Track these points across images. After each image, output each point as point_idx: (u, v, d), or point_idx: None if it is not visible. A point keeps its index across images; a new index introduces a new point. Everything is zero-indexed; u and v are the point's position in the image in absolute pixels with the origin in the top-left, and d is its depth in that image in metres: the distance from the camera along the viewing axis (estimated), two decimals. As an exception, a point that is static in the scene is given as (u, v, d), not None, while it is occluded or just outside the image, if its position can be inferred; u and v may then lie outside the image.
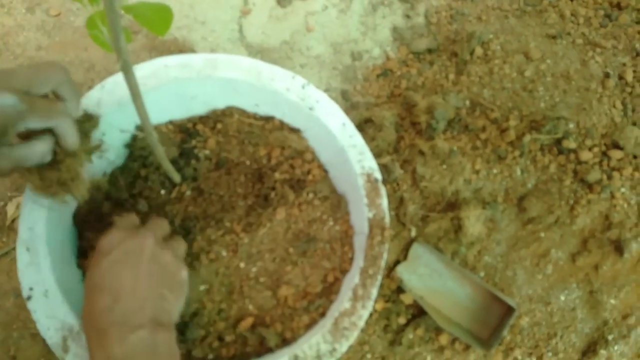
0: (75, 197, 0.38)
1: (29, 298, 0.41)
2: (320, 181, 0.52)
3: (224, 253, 0.49)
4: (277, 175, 0.53)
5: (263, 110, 0.54)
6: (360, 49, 0.84)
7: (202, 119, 0.54)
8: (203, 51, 0.80)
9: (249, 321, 0.47)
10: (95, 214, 0.48)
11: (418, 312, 0.67)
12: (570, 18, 0.81)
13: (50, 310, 0.40)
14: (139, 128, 0.51)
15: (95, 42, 0.37)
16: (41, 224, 0.43)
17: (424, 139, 0.72)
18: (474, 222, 0.63)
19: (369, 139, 0.78)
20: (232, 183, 0.53)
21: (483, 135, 0.68)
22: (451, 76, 0.79)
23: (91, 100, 0.47)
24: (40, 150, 0.35)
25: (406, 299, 0.67)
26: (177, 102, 0.52)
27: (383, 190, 0.50)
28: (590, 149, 0.61)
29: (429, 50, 0.84)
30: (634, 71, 0.67)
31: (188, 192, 0.51)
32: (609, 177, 0.59)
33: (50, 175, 0.36)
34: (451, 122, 0.72)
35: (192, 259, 0.49)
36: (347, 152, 0.50)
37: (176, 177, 0.50)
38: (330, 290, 0.49)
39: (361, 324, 0.45)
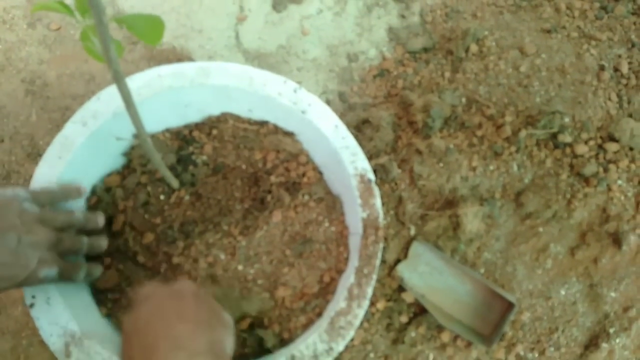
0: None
1: (31, 305, 0.42)
2: (315, 183, 0.53)
3: (222, 256, 0.50)
4: (272, 178, 0.54)
5: (257, 115, 0.55)
6: (356, 50, 0.85)
7: (198, 126, 0.55)
8: (201, 59, 0.81)
9: (246, 322, 0.48)
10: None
11: (420, 310, 0.68)
12: (565, 11, 0.81)
13: (53, 317, 0.42)
14: (135, 136, 0.52)
15: (88, 54, 0.39)
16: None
17: (420, 138, 0.72)
18: (471, 218, 0.63)
19: (367, 139, 0.78)
20: (229, 187, 0.54)
21: (479, 132, 0.68)
22: (447, 74, 0.79)
23: (88, 111, 0.48)
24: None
25: (407, 297, 0.68)
26: (173, 110, 0.53)
27: (376, 190, 0.50)
28: (586, 143, 0.61)
29: (425, 49, 0.85)
30: (630, 63, 0.66)
31: (187, 197, 0.52)
32: (605, 170, 0.59)
33: None
34: (447, 120, 0.72)
35: (191, 262, 0.50)
36: (340, 153, 0.51)
37: (174, 183, 0.51)
38: (326, 291, 0.49)
39: (357, 322, 0.45)
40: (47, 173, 0.45)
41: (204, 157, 0.54)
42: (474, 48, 0.78)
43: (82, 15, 0.34)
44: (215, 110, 0.55)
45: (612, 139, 0.60)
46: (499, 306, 0.62)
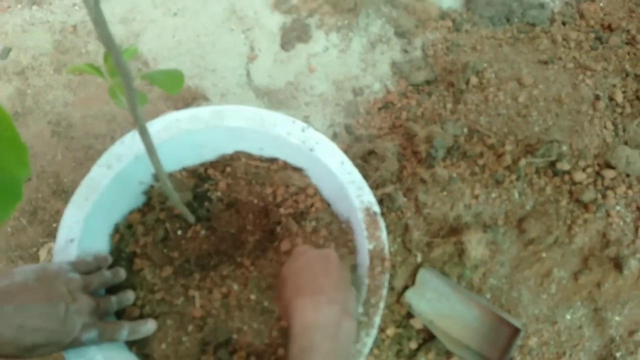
0: None
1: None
2: (322, 211, 0.56)
3: (236, 287, 0.53)
4: (282, 210, 0.57)
5: (268, 152, 0.59)
6: (361, 84, 0.89)
7: (213, 164, 0.59)
8: (214, 97, 0.86)
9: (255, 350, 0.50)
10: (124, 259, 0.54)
11: (429, 336, 0.69)
12: (561, 43, 0.84)
13: (81, 352, 0.45)
14: (155, 177, 0.56)
15: (117, 106, 0.43)
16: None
17: (424, 167, 0.75)
18: (475, 245, 0.65)
19: (373, 170, 0.81)
20: (242, 221, 0.57)
21: (481, 161, 0.71)
22: (449, 105, 0.83)
23: (112, 155, 0.52)
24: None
25: (416, 323, 0.69)
26: (189, 151, 0.57)
27: (382, 223, 0.53)
28: (583, 170, 0.63)
29: (427, 82, 0.88)
30: (624, 92, 0.69)
31: (202, 232, 0.56)
32: (604, 196, 0.61)
33: None
34: (450, 149, 0.75)
35: (206, 294, 0.53)
36: (347, 188, 0.54)
37: (191, 219, 0.55)
38: None
39: (366, 351, 0.47)
40: (75, 214, 0.49)
41: (218, 193, 0.57)
42: (474, 80, 0.82)
43: (111, 77, 0.38)
44: (229, 149, 0.58)
45: (609, 166, 0.62)
46: (506, 331, 0.64)
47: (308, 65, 0.90)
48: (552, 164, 0.65)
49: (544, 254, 0.63)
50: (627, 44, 0.79)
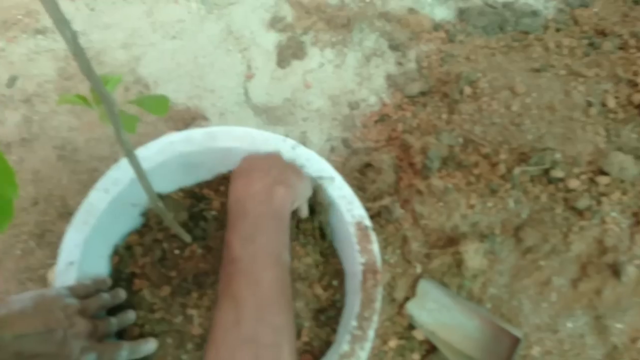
0: None
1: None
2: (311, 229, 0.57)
3: (233, 305, 0.54)
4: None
5: (261, 170, 0.60)
6: (357, 98, 0.90)
7: (208, 184, 0.60)
8: (213, 116, 0.88)
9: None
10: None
11: (431, 348, 0.69)
12: (554, 50, 0.85)
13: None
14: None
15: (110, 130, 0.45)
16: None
17: (420, 178, 0.75)
18: (473, 255, 0.65)
19: (370, 182, 0.82)
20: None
21: (476, 171, 0.72)
22: (444, 116, 0.83)
23: (109, 179, 0.54)
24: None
25: (419, 334, 0.69)
26: (184, 172, 0.58)
27: (373, 236, 0.54)
28: (577, 177, 0.63)
29: (422, 93, 0.89)
30: (616, 97, 0.69)
31: (199, 251, 0.57)
32: (598, 203, 0.61)
33: None
34: (446, 160, 0.76)
35: (204, 311, 0.54)
36: (338, 203, 0.55)
37: (187, 238, 0.56)
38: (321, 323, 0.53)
39: (360, 364, 0.48)
40: (75, 237, 0.51)
41: (214, 212, 0.59)
42: (467, 90, 0.83)
43: (97, 105, 0.40)
44: (224, 169, 0.60)
45: (603, 172, 0.62)
46: (507, 341, 0.63)
47: (304, 82, 0.91)
48: (546, 172, 0.65)
49: (542, 262, 0.63)
50: (620, 48, 0.79)
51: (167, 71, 0.91)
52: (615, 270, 0.58)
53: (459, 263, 0.68)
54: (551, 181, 0.64)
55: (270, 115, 0.89)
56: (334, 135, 0.87)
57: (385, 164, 0.79)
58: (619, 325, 0.59)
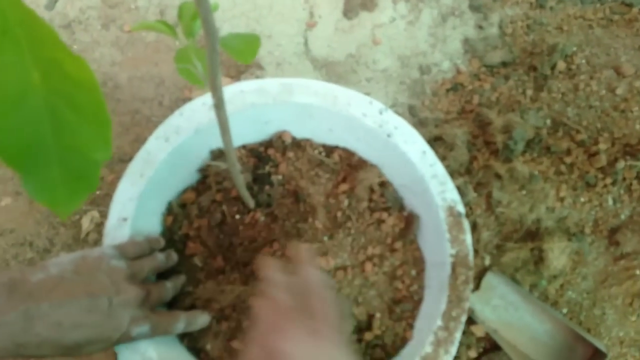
0: None
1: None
2: (392, 206, 0.50)
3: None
4: (345, 201, 0.51)
5: (336, 135, 0.52)
6: (429, 62, 0.81)
7: (273, 144, 0.53)
8: (269, 65, 0.79)
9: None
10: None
11: (490, 346, 0.63)
12: (666, 28, 0.74)
13: (132, 343, 0.40)
14: (213, 154, 0.50)
15: (182, 76, 0.37)
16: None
17: (500, 161, 0.67)
18: (558, 254, 0.58)
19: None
20: (304, 209, 0.51)
21: (568, 159, 0.63)
22: (529, 92, 0.74)
23: (170, 126, 0.47)
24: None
25: (477, 330, 0.63)
26: (252, 127, 0.51)
27: (467, 225, 0.47)
28: (696, 180, 0.55)
29: (504, 64, 0.79)
30: None
31: (262, 218, 0.50)
32: None
33: None
34: (530, 142, 0.67)
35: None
36: (428, 182, 0.47)
37: (251, 203, 0.49)
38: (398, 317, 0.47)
39: (444, 370, 0.42)
40: (129, 190, 0.44)
41: (279, 177, 0.52)
42: (561, 65, 0.73)
43: (187, 38, 0.32)
44: (295, 128, 0.52)
45: None
46: (582, 351, 0.57)
47: (372, 37, 0.82)
48: (658, 170, 0.57)
49: (638, 272, 0.56)
50: None
51: (221, 10, 0.82)
52: None
53: (537, 260, 0.61)
54: (662, 181, 0.56)
55: (330, 71, 0.80)
56: (400, 101, 0.79)
57: (459, 139, 0.71)
58: None
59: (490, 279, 0.63)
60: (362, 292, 0.47)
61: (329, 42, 0.81)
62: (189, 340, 0.45)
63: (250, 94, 0.48)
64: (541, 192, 0.61)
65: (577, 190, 0.60)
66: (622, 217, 0.57)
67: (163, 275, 0.47)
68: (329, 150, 0.54)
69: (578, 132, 0.65)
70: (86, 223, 0.68)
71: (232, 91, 0.48)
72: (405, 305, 0.47)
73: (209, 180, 0.51)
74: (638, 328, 0.56)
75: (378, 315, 0.47)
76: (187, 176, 0.51)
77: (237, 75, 0.78)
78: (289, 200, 0.51)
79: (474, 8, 0.84)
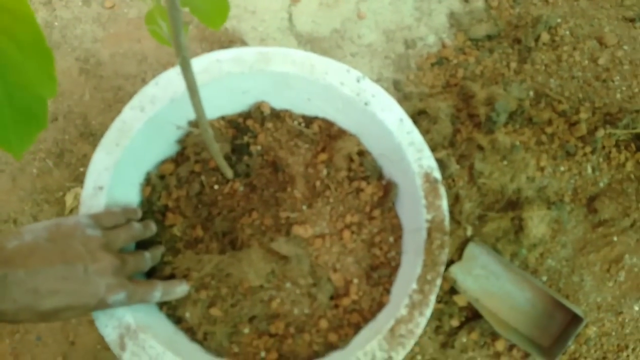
0: None
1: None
2: (370, 176, 0.50)
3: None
4: (324, 171, 0.51)
5: (315, 105, 0.52)
6: (414, 36, 0.80)
7: (251, 114, 0.53)
8: (253, 41, 0.79)
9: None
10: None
11: (472, 315, 0.64)
12: (651, -2, 0.73)
13: (110, 311, 0.41)
14: (191, 124, 0.50)
15: (153, 37, 0.37)
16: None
17: (482, 133, 0.67)
18: (537, 223, 0.59)
19: (423, 132, 0.74)
20: (284, 180, 0.51)
21: (549, 129, 0.63)
22: (513, 65, 0.74)
23: (146, 96, 0.47)
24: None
25: (460, 300, 0.64)
26: (229, 97, 0.51)
27: (442, 191, 0.47)
28: (674, 146, 0.55)
29: (489, 37, 0.79)
30: None
31: (241, 188, 0.51)
32: (697, 178, 0.53)
33: None
34: (513, 114, 0.67)
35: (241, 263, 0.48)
36: (404, 150, 0.48)
37: (229, 174, 0.49)
38: (374, 282, 0.48)
39: (419, 331, 0.43)
40: (104, 159, 0.44)
41: (258, 147, 0.52)
42: (545, 37, 0.72)
43: (152, -2, 0.32)
44: (272, 99, 0.52)
45: None
46: (561, 317, 0.58)
47: (357, 11, 0.81)
48: (637, 137, 0.57)
49: (615, 238, 0.56)
50: None
51: (203, -15, 0.81)
52: None
53: (517, 229, 0.61)
54: (641, 148, 0.56)
55: (315, 47, 0.80)
56: (384, 76, 0.78)
57: (442, 112, 0.71)
58: (694, 315, 0.53)
59: (472, 249, 0.64)
60: (340, 259, 0.48)
61: (313, 18, 0.81)
62: (168, 308, 0.46)
63: (227, 62, 0.48)
64: (522, 162, 0.61)
65: (557, 159, 0.60)
66: (601, 185, 0.58)
67: (143, 245, 0.47)
68: (309, 120, 0.54)
69: (560, 102, 0.65)
70: (70, 200, 0.68)
71: (208, 60, 0.48)
72: (382, 271, 0.48)
73: (187, 151, 0.51)
74: (615, 293, 0.57)
75: (355, 281, 0.47)
76: (165, 147, 0.51)
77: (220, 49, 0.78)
78: (267, 170, 0.51)
79: (460, -19, 0.83)
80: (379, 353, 0.41)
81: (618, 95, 0.61)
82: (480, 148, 0.66)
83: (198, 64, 0.48)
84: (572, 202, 0.59)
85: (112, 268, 0.40)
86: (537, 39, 0.73)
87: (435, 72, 0.78)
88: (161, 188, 0.50)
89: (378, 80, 0.78)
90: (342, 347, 0.45)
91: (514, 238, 0.61)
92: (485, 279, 0.63)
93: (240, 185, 0.50)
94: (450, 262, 0.65)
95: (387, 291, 0.47)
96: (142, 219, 0.48)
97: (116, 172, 0.45)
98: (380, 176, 0.52)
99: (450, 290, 0.65)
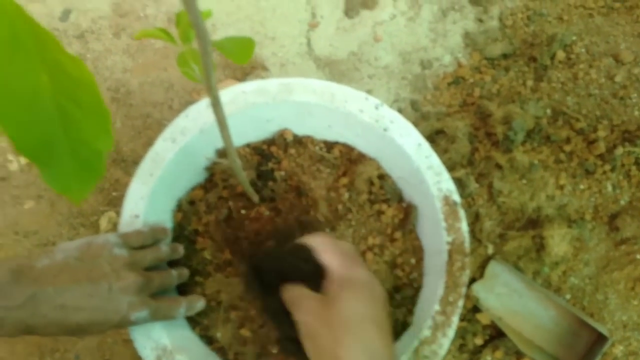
0: None
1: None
2: (391, 198, 0.52)
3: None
4: (346, 194, 0.53)
5: (335, 131, 0.54)
6: (430, 56, 0.82)
7: (275, 141, 0.55)
8: (273, 66, 0.82)
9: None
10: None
11: (496, 334, 0.65)
12: (667, 14, 0.74)
13: (146, 331, 0.43)
14: (219, 153, 0.53)
15: (185, 76, 0.39)
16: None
17: (500, 151, 0.68)
18: (559, 241, 0.59)
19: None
20: (306, 202, 0.53)
21: (567, 147, 0.64)
22: (529, 83, 0.75)
23: (177, 128, 0.49)
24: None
25: (483, 318, 0.65)
26: (254, 126, 0.53)
27: (462, 213, 0.48)
28: (695, 164, 0.55)
29: (504, 56, 0.80)
30: None
31: (266, 212, 0.53)
32: None
33: None
34: (530, 132, 0.68)
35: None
36: (423, 173, 0.49)
37: (255, 199, 0.52)
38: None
39: (442, 352, 0.44)
40: (140, 189, 0.47)
41: (282, 173, 0.54)
42: (560, 55, 0.73)
43: (184, 43, 0.35)
44: (295, 126, 0.54)
45: None
46: (586, 336, 0.58)
47: (373, 34, 0.84)
48: (657, 155, 0.57)
49: (638, 256, 0.56)
50: None
51: (225, 14, 0.84)
52: None
53: (539, 248, 0.62)
54: (661, 166, 0.57)
55: (333, 70, 0.82)
56: (402, 96, 0.80)
57: (460, 132, 0.72)
58: None
59: (493, 267, 0.64)
60: (363, 280, 0.49)
61: (331, 42, 0.83)
62: (201, 328, 0.48)
63: (251, 94, 0.51)
64: (541, 181, 0.62)
65: (576, 177, 0.61)
66: (622, 202, 0.58)
67: (172, 267, 0.49)
68: (330, 146, 0.56)
69: (577, 120, 0.65)
70: (104, 223, 0.72)
71: (233, 92, 0.51)
72: (405, 292, 0.49)
73: (215, 178, 0.53)
74: (640, 312, 0.57)
75: (379, 302, 0.49)
76: (195, 175, 0.53)
77: (242, 76, 0.81)
78: (291, 194, 0.53)
79: (474, 2, 0.85)
80: (403, 374, 0.42)
81: (636, 113, 0.62)
82: (499, 167, 0.67)
83: (225, 95, 0.51)
84: (593, 220, 0.59)
85: (136, 286, 0.42)
86: (552, 57, 0.74)
87: (452, 91, 0.80)
88: (191, 213, 0.52)
89: (395, 101, 0.80)
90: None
91: (536, 256, 0.62)
92: (508, 297, 0.64)
93: (266, 210, 0.52)
94: (472, 280, 0.65)
95: (411, 312, 0.48)
96: (173, 242, 0.50)
97: (150, 201, 0.47)
98: (400, 199, 0.53)
99: (473, 309, 0.66)
